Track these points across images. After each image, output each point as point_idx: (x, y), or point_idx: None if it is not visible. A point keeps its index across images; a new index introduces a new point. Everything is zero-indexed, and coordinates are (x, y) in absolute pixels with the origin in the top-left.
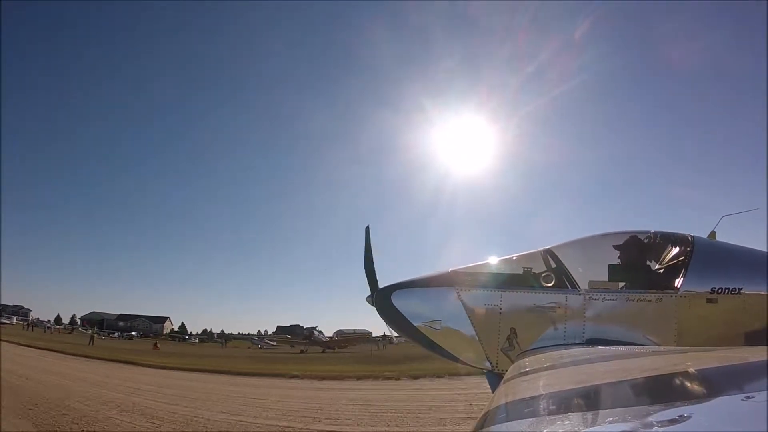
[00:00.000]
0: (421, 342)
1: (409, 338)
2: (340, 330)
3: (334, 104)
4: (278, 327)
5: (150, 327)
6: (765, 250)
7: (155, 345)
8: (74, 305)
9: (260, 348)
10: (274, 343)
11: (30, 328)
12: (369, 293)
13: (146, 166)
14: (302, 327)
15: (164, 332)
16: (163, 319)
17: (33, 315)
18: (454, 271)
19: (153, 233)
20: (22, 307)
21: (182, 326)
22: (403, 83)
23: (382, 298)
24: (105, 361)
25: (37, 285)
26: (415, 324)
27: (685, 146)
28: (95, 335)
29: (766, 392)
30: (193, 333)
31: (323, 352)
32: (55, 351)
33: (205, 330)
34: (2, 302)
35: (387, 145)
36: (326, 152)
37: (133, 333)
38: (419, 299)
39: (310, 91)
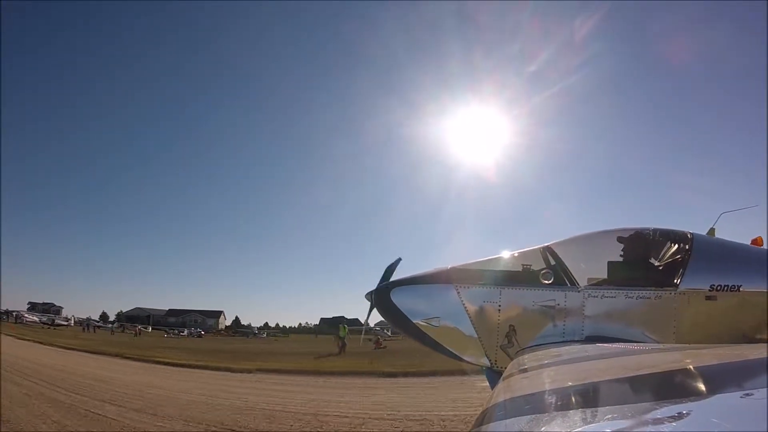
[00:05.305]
0: (421, 339)
1: (409, 335)
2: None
3: (341, 98)
4: (321, 319)
5: (204, 322)
6: (765, 247)
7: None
8: (94, 303)
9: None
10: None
11: (92, 329)
12: (368, 290)
13: (159, 162)
14: (346, 318)
15: (218, 327)
16: (217, 314)
17: (64, 313)
18: (454, 268)
19: (162, 230)
20: (53, 305)
21: (236, 320)
22: (411, 77)
23: (381, 296)
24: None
25: (59, 282)
26: (414, 321)
27: (685, 144)
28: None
29: (765, 389)
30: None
31: None
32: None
33: (266, 323)
34: (31, 300)
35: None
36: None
37: (192, 330)
38: (418, 296)
39: (314, 85)
